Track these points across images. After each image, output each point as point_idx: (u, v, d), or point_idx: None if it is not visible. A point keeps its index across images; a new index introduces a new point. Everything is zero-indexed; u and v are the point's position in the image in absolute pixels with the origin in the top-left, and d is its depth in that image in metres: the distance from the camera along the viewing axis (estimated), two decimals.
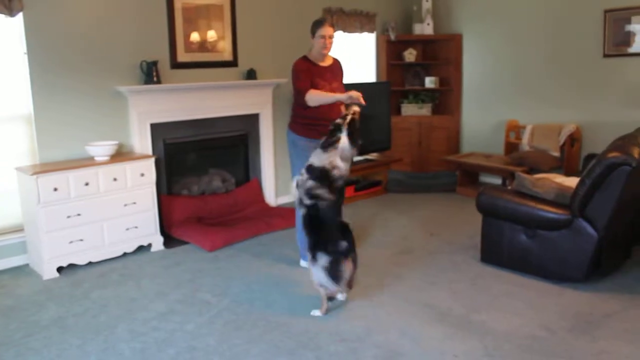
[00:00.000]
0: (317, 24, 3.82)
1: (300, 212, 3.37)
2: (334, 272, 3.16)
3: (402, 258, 4.22)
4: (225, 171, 5.54)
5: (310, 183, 3.22)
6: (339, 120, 3.30)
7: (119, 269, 4.12)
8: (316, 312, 3.31)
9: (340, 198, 3.37)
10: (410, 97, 6.87)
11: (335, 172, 3.22)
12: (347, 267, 3.20)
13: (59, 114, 4.27)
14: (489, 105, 6.53)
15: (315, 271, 3.22)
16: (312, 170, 3.25)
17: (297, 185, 3.30)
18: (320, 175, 3.21)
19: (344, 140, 3.24)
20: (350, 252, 3.24)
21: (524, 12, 6.08)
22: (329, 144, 3.24)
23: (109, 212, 4.22)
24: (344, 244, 3.20)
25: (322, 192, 3.21)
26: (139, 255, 4.39)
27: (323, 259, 3.16)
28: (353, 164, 3.65)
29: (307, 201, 3.22)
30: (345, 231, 3.27)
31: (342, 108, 3.46)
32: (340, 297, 3.39)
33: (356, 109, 3.38)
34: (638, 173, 3.36)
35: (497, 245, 3.96)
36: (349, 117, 3.29)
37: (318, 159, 3.25)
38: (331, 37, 3.82)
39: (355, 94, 3.53)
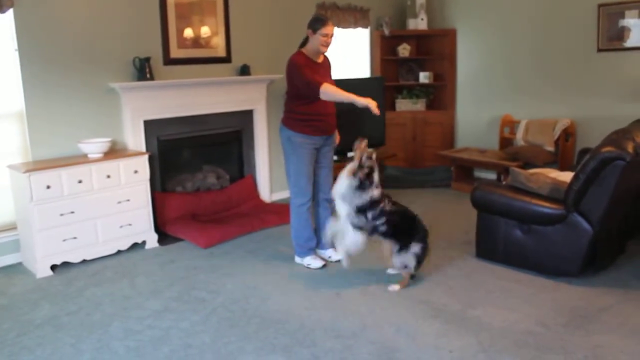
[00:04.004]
0: (320, 22, 3.74)
1: (382, 232, 3.58)
2: (422, 256, 3.62)
3: None
4: (220, 168, 5.51)
5: (374, 216, 3.52)
6: (366, 165, 3.48)
7: (113, 267, 4.10)
8: (395, 287, 3.60)
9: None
10: (404, 92, 6.86)
11: (382, 205, 3.54)
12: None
13: (51, 111, 4.23)
14: (484, 101, 6.53)
15: (404, 258, 3.57)
16: (363, 209, 3.50)
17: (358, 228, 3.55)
18: (372, 206, 3.51)
19: (376, 177, 3.54)
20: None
21: (518, 6, 6.07)
22: (365, 185, 3.48)
23: (103, 209, 4.20)
24: (422, 229, 3.65)
25: (382, 218, 3.52)
26: (133, 253, 4.37)
27: (416, 247, 3.57)
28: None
29: (383, 226, 3.53)
30: (415, 221, 3.66)
31: (359, 146, 3.54)
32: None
33: (364, 147, 3.51)
34: (632, 167, 3.37)
35: (492, 241, 3.97)
36: (374, 156, 3.52)
37: (360, 199, 3.49)
38: (332, 35, 3.79)
39: (372, 104, 3.54)
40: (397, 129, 6.67)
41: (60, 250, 4.01)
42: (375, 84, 6.20)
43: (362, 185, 3.48)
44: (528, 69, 6.08)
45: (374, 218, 3.52)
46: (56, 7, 4.18)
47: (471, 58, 6.59)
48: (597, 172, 3.41)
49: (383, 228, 3.54)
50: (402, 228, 3.59)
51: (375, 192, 3.52)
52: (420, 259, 3.61)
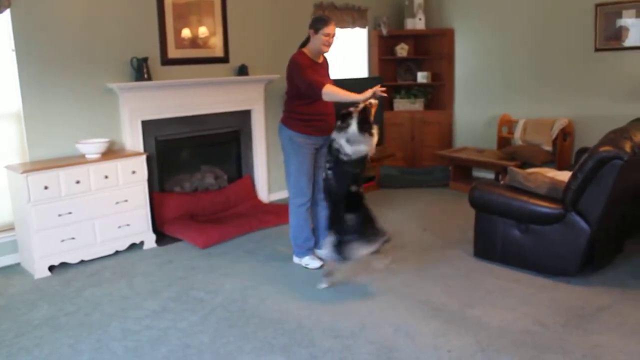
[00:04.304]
0: (322, 21, 3.73)
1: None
2: (339, 252, 3.44)
3: (395, 253, 4.21)
4: (218, 168, 5.51)
5: (325, 152, 3.60)
6: (351, 108, 3.48)
7: (111, 267, 4.09)
8: (322, 285, 3.63)
9: (348, 178, 3.54)
10: (402, 92, 6.86)
11: (337, 148, 3.47)
12: (356, 250, 3.43)
13: (49, 111, 4.22)
14: (482, 100, 6.54)
15: (324, 245, 3.52)
16: (329, 144, 3.55)
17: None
18: (330, 149, 3.54)
19: (353, 126, 3.44)
20: (361, 233, 3.43)
21: (516, 6, 6.08)
22: (340, 127, 3.48)
23: (101, 210, 4.19)
24: (351, 220, 3.45)
25: (330, 163, 3.53)
26: (131, 253, 4.37)
27: (332, 237, 3.47)
28: None
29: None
30: (354, 204, 3.49)
31: (370, 101, 3.56)
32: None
33: (372, 101, 3.53)
34: (630, 167, 3.37)
35: (491, 240, 3.97)
36: (360, 106, 3.47)
37: (335, 134, 3.51)
38: (334, 35, 3.78)
39: (376, 88, 3.54)
40: (395, 128, 6.67)
41: (58, 250, 4.01)
42: (373, 83, 6.13)
43: (341, 125, 3.47)
44: (526, 69, 6.09)
45: (327, 159, 3.56)
46: (54, 7, 4.17)
47: (469, 58, 6.60)
48: (595, 172, 3.41)
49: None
50: (331, 200, 3.55)
51: (346, 149, 3.43)
52: (336, 250, 3.45)
